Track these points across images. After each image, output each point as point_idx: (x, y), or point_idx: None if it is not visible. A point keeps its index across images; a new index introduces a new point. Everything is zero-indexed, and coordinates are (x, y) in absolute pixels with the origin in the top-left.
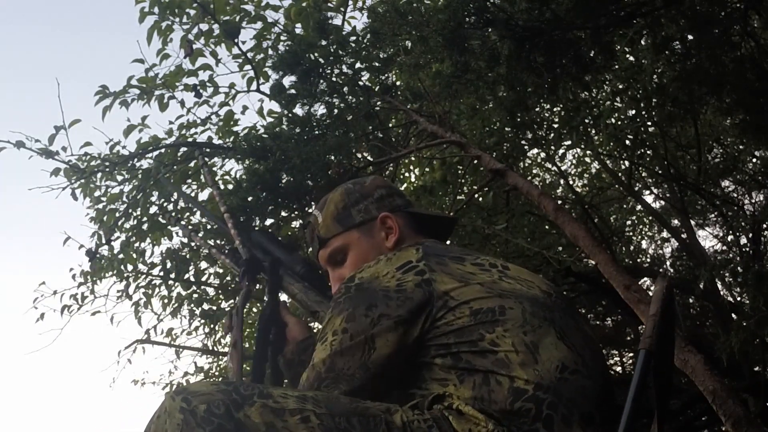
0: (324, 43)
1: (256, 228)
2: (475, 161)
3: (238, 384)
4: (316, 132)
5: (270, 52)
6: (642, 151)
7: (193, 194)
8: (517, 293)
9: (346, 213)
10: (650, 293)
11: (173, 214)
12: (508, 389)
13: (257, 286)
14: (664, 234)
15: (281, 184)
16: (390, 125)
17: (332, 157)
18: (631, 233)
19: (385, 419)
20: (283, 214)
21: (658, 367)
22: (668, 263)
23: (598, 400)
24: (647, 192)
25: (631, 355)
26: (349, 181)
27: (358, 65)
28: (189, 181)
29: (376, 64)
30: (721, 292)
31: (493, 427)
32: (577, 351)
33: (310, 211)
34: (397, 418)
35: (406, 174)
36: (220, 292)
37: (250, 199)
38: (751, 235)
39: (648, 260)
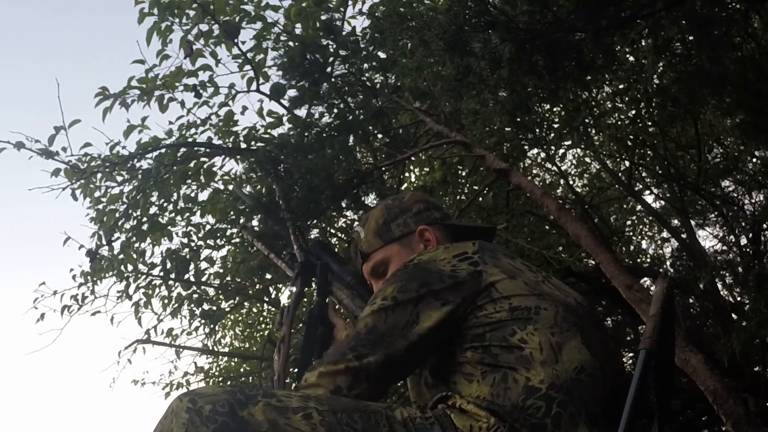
0: (330, 43)
1: (314, 237)
2: (479, 161)
3: (243, 386)
4: (323, 135)
5: (270, 52)
6: (642, 151)
7: (192, 194)
8: (555, 297)
9: (386, 228)
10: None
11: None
12: (523, 387)
13: (308, 289)
14: (664, 234)
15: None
16: (396, 126)
17: (338, 161)
18: (631, 233)
19: (386, 414)
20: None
21: (659, 367)
22: (668, 263)
23: (607, 402)
24: (647, 192)
25: (631, 354)
26: (390, 197)
27: (365, 66)
28: (189, 181)
29: (377, 64)
30: (722, 293)
31: (495, 422)
32: (598, 358)
33: (354, 227)
34: (398, 414)
35: (406, 174)
36: (220, 292)
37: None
38: (751, 235)
39: (648, 260)
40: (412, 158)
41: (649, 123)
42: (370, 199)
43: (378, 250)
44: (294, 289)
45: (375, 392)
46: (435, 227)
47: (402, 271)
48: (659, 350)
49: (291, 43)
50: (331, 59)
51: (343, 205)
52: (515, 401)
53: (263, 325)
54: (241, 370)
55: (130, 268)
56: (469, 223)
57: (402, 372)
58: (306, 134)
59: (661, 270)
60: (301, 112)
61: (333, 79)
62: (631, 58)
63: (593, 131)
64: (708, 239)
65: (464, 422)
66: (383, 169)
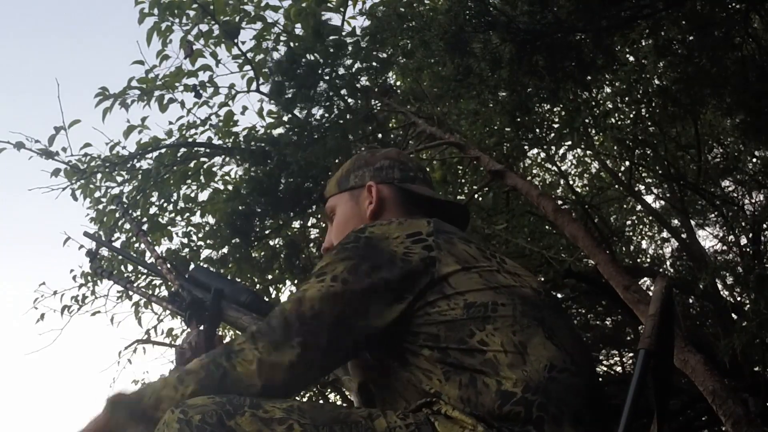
0: (321, 45)
1: (193, 267)
2: (475, 162)
3: (232, 397)
4: (315, 136)
5: (270, 53)
6: (642, 151)
7: (192, 194)
8: (511, 289)
9: (346, 177)
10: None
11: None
12: (496, 392)
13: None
14: (664, 234)
15: (280, 189)
16: (389, 127)
17: (332, 160)
18: (631, 233)
19: (366, 426)
20: (283, 216)
21: (658, 367)
22: (668, 263)
23: (588, 398)
24: (647, 192)
25: (631, 355)
26: (367, 149)
27: (357, 66)
28: (189, 181)
29: (375, 64)
30: (722, 293)
31: (483, 429)
32: (566, 350)
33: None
34: (379, 423)
35: None
36: None
37: (249, 202)
38: (751, 235)
39: (648, 260)
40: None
41: (650, 123)
42: None
43: (332, 197)
44: (190, 331)
45: (301, 387)
46: (387, 186)
47: (353, 245)
48: (658, 350)
49: (291, 44)
50: (326, 60)
51: None
52: (490, 408)
53: None
54: None
55: (130, 268)
56: (426, 193)
57: (336, 366)
58: (304, 132)
59: (661, 270)
60: (298, 114)
61: (326, 80)
62: (632, 59)
63: (593, 131)
64: (708, 239)
65: (449, 430)
66: None
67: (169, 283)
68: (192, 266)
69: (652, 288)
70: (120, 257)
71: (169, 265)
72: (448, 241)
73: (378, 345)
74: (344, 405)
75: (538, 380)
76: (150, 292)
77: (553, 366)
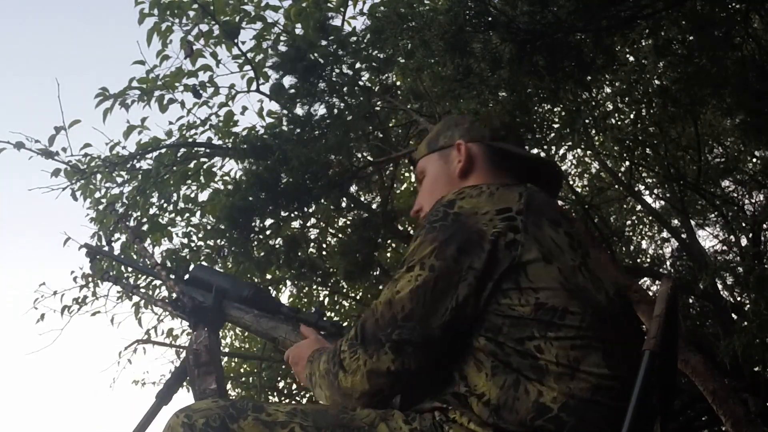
0: (324, 42)
1: (193, 266)
2: None
3: (235, 400)
4: (316, 132)
5: (270, 52)
6: (642, 151)
7: (192, 195)
8: (586, 294)
9: (435, 138)
10: (650, 293)
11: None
12: (533, 402)
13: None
14: (664, 234)
15: (281, 185)
16: (390, 125)
17: (332, 157)
18: (631, 233)
19: None
20: (283, 214)
21: (662, 368)
22: (668, 263)
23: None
24: (647, 192)
25: None
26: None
27: (357, 65)
28: (189, 182)
29: (375, 64)
30: (722, 293)
31: None
32: (619, 372)
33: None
34: (381, 429)
35: (406, 174)
36: None
37: (250, 199)
38: (751, 235)
39: (648, 260)
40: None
41: (650, 123)
42: (369, 198)
43: (422, 158)
44: (198, 334)
45: (407, 386)
46: (476, 144)
47: (441, 223)
48: (663, 351)
49: (290, 43)
50: (327, 58)
51: (343, 205)
52: (523, 417)
53: None
54: (241, 370)
55: (130, 268)
56: (516, 151)
57: (436, 357)
58: (305, 128)
59: (661, 270)
60: (299, 111)
61: (328, 78)
62: (632, 59)
63: (593, 132)
64: (708, 239)
65: None
66: (376, 166)
67: (170, 289)
68: (192, 266)
69: (653, 288)
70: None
71: (167, 271)
72: (536, 223)
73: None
74: (348, 407)
75: (579, 400)
76: (151, 293)
77: (600, 388)
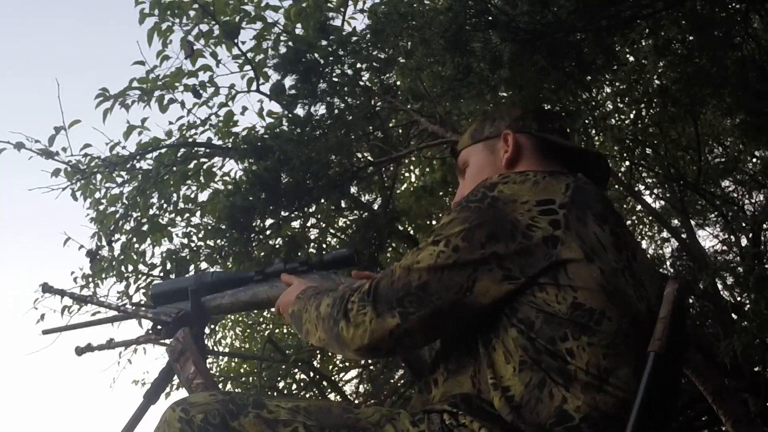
0: (324, 43)
1: (152, 287)
2: None
3: (234, 394)
4: (317, 132)
5: (270, 52)
6: (642, 151)
7: (192, 195)
8: (626, 300)
9: (480, 128)
10: None
11: None
12: (556, 408)
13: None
14: (664, 234)
15: (281, 185)
16: (391, 125)
17: (333, 157)
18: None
19: None
20: (284, 214)
21: (668, 369)
22: (668, 263)
23: None
24: (647, 192)
25: None
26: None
27: (358, 65)
28: (188, 182)
29: (375, 64)
30: (722, 293)
31: None
32: (648, 390)
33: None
34: (387, 430)
35: (407, 174)
36: None
37: (250, 199)
38: (751, 235)
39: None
40: (412, 158)
41: (650, 123)
42: (369, 198)
43: (465, 149)
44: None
45: (403, 351)
46: (523, 135)
47: (476, 205)
48: (668, 352)
49: (290, 43)
50: (327, 59)
51: (343, 204)
52: (543, 420)
53: (263, 326)
54: (241, 370)
55: (130, 268)
56: (565, 143)
57: (436, 336)
58: (306, 128)
59: (661, 270)
60: (300, 111)
61: (328, 78)
62: (632, 59)
63: (593, 131)
64: (708, 239)
65: None
66: (377, 166)
67: (143, 319)
68: (152, 286)
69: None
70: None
71: (134, 306)
72: (580, 218)
73: (478, 317)
74: (351, 405)
75: (603, 413)
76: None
77: (626, 405)
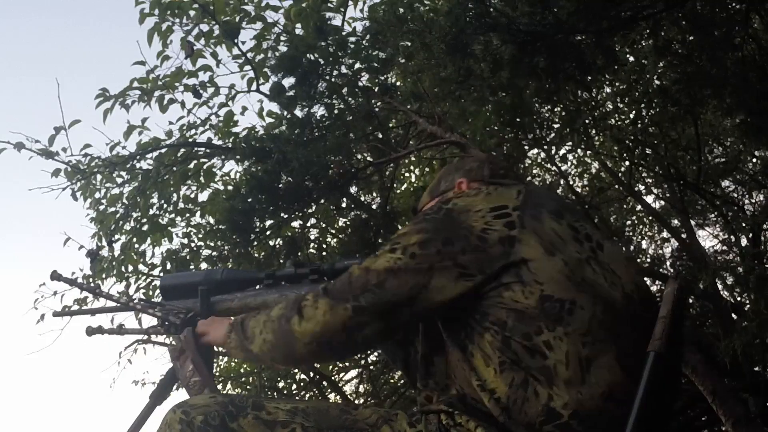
0: (323, 44)
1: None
2: None
3: (234, 396)
4: (316, 133)
5: (270, 53)
6: (642, 151)
7: (192, 195)
8: (597, 289)
9: (437, 185)
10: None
11: None
12: (543, 406)
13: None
14: (664, 234)
15: (281, 186)
16: (390, 126)
17: (332, 158)
18: (631, 233)
19: None
20: (283, 215)
21: (667, 369)
22: (668, 263)
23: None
24: (647, 192)
25: None
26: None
27: (357, 66)
28: (188, 182)
29: (375, 65)
30: (722, 293)
31: None
32: (631, 377)
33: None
34: (384, 431)
35: (407, 174)
36: None
37: (249, 201)
38: (751, 235)
39: (648, 260)
40: (411, 158)
41: (650, 123)
42: (369, 199)
43: (425, 205)
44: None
45: (353, 350)
46: (477, 182)
47: (433, 216)
48: (668, 352)
49: (289, 45)
50: (327, 59)
51: (343, 205)
52: (532, 420)
53: None
54: (241, 370)
55: (130, 268)
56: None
57: (390, 333)
58: (305, 129)
59: (661, 270)
60: (299, 113)
61: (327, 79)
62: (632, 59)
63: (594, 132)
64: (708, 239)
65: None
66: (377, 167)
67: (151, 316)
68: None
69: (654, 288)
70: (113, 264)
71: (141, 302)
72: (535, 217)
73: (446, 319)
74: (350, 406)
75: (590, 408)
76: (150, 292)
77: (612, 395)
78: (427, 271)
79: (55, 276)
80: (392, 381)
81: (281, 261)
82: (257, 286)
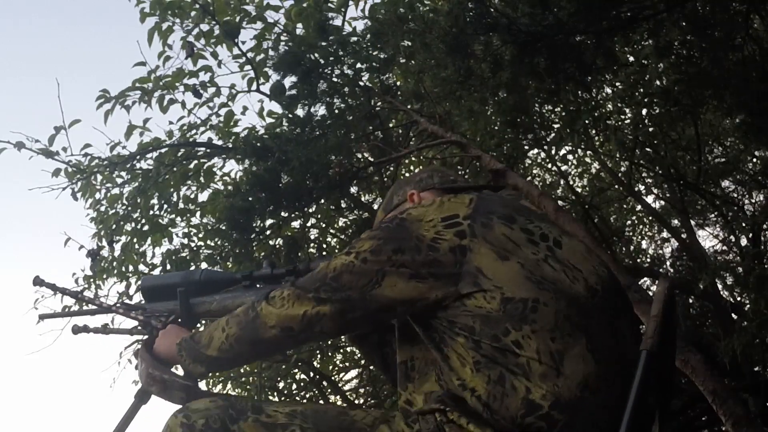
0: (324, 43)
1: (141, 280)
2: (475, 161)
3: (233, 399)
4: (317, 132)
5: (270, 52)
6: (642, 151)
7: (192, 195)
8: (558, 286)
9: (389, 200)
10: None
11: None
12: (522, 399)
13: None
14: (664, 234)
15: (281, 185)
16: (391, 125)
17: (333, 157)
18: (631, 233)
19: None
20: (284, 214)
21: (660, 368)
22: (668, 263)
23: (613, 419)
24: (647, 192)
25: None
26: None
27: (358, 65)
28: (188, 182)
29: (375, 65)
30: (722, 293)
31: None
32: (605, 366)
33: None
34: (382, 431)
35: (407, 174)
36: None
37: (250, 199)
38: (751, 235)
39: (648, 260)
40: (412, 158)
41: (650, 124)
42: (369, 199)
43: (380, 222)
44: None
45: (313, 339)
46: (428, 192)
47: (386, 226)
48: (660, 351)
49: (290, 44)
50: (327, 59)
51: (343, 205)
52: (513, 414)
53: None
54: (241, 370)
55: (131, 268)
56: (468, 184)
57: (348, 327)
58: (305, 128)
59: (661, 270)
60: (300, 112)
61: (328, 78)
62: (632, 60)
63: (594, 132)
64: (708, 239)
65: None
66: (377, 166)
67: (134, 319)
68: (141, 280)
69: (653, 288)
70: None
71: (123, 306)
72: (485, 225)
73: (418, 323)
74: (348, 407)
75: (568, 398)
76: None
77: (587, 385)
78: (377, 272)
79: (38, 281)
80: None
81: (281, 261)
82: (236, 287)
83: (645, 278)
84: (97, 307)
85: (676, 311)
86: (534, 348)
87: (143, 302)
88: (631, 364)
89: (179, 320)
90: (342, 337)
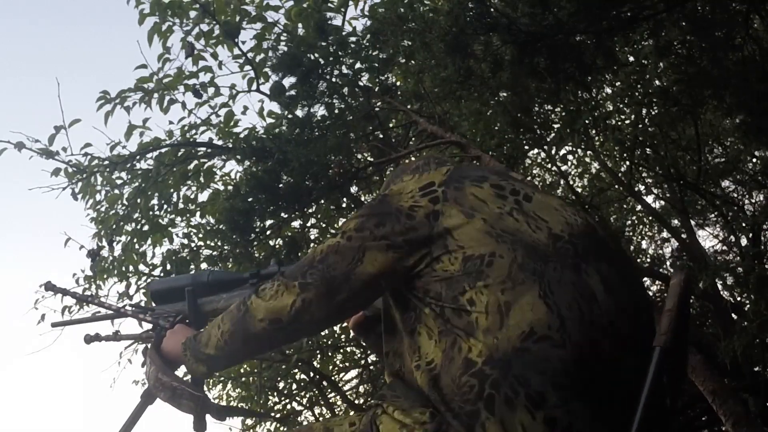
0: (324, 43)
1: (149, 284)
2: (475, 161)
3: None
4: (317, 133)
5: (270, 53)
6: (642, 151)
7: (192, 195)
8: (518, 236)
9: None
10: (649, 293)
11: None
12: (463, 360)
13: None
14: (664, 234)
15: (281, 185)
16: (390, 126)
17: (332, 158)
18: (631, 233)
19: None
20: (283, 214)
21: (672, 364)
22: (668, 263)
23: (574, 369)
24: (647, 192)
25: None
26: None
27: (357, 65)
28: (188, 182)
29: (375, 65)
30: (722, 293)
31: (428, 419)
32: (561, 313)
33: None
34: (337, 430)
35: None
36: None
37: (250, 200)
38: (751, 235)
39: (648, 260)
40: (412, 158)
41: (650, 124)
42: (369, 199)
43: None
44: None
45: (304, 330)
46: None
47: (370, 203)
48: (674, 347)
49: (291, 44)
50: (327, 59)
51: (343, 205)
52: (454, 376)
53: None
54: (241, 370)
55: (131, 268)
56: None
57: (337, 311)
58: (305, 129)
59: (661, 270)
60: (300, 112)
61: (328, 78)
62: (632, 59)
63: (594, 132)
64: (708, 239)
65: (391, 430)
66: (377, 167)
67: (145, 321)
68: (149, 283)
69: (654, 288)
70: (114, 264)
71: (133, 307)
72: (457, 188)
73: (399, 306)
74: (332, 420)
75: (504, 350)
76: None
77: (533, 333)
78: (359, 248)
79: (49, 287)
80: None
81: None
82: (244, 286)
83: (645, 278)
84: (107, 310)
85: (689, 304)
86: (484, 303)
87: (153, 304)
88: (621, 310)
89: (187, 320)
90: (351, 333)
